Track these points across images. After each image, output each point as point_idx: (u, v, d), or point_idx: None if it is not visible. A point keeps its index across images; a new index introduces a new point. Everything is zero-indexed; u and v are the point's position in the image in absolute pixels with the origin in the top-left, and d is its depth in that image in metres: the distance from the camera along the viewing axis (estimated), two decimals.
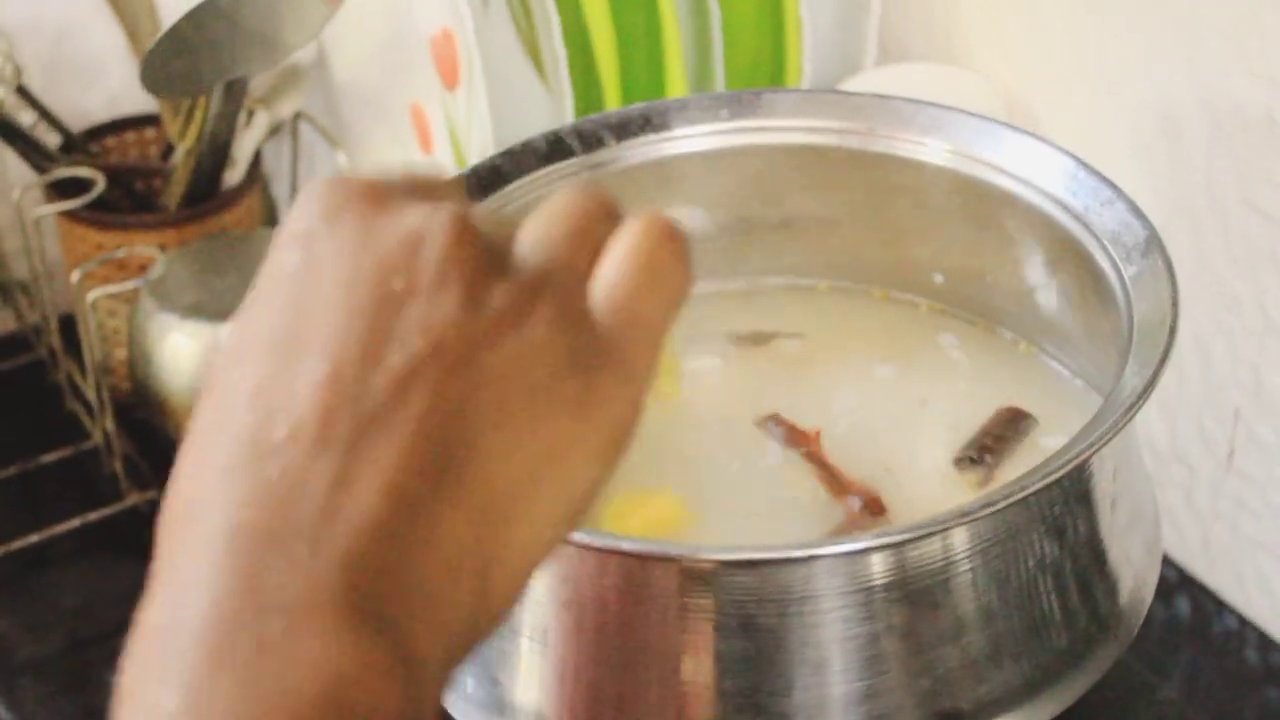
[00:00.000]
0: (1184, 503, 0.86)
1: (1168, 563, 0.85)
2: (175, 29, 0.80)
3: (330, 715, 0.33)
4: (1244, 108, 0.76)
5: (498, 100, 0.86)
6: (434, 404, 0.35)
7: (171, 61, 0.82)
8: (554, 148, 0.71)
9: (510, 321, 0.36)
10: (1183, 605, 0.85)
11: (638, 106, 0.72)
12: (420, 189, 0.39)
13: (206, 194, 0.95)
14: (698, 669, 0.55)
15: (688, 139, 0.72)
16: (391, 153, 0.95)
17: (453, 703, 0.61)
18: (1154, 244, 0.62)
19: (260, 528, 0.34)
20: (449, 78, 0.88)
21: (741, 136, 0.71)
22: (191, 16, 0.80)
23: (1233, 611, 0.85)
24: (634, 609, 0.55)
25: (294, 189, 1.02)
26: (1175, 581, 0.86)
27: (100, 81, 1.04)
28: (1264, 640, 0.83)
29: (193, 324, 0.88)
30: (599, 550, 0.55)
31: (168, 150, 0.99)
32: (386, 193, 0.38)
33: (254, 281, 0.38)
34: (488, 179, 0.69)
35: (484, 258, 0.37)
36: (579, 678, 0.58)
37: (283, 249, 0.38)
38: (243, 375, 0.36)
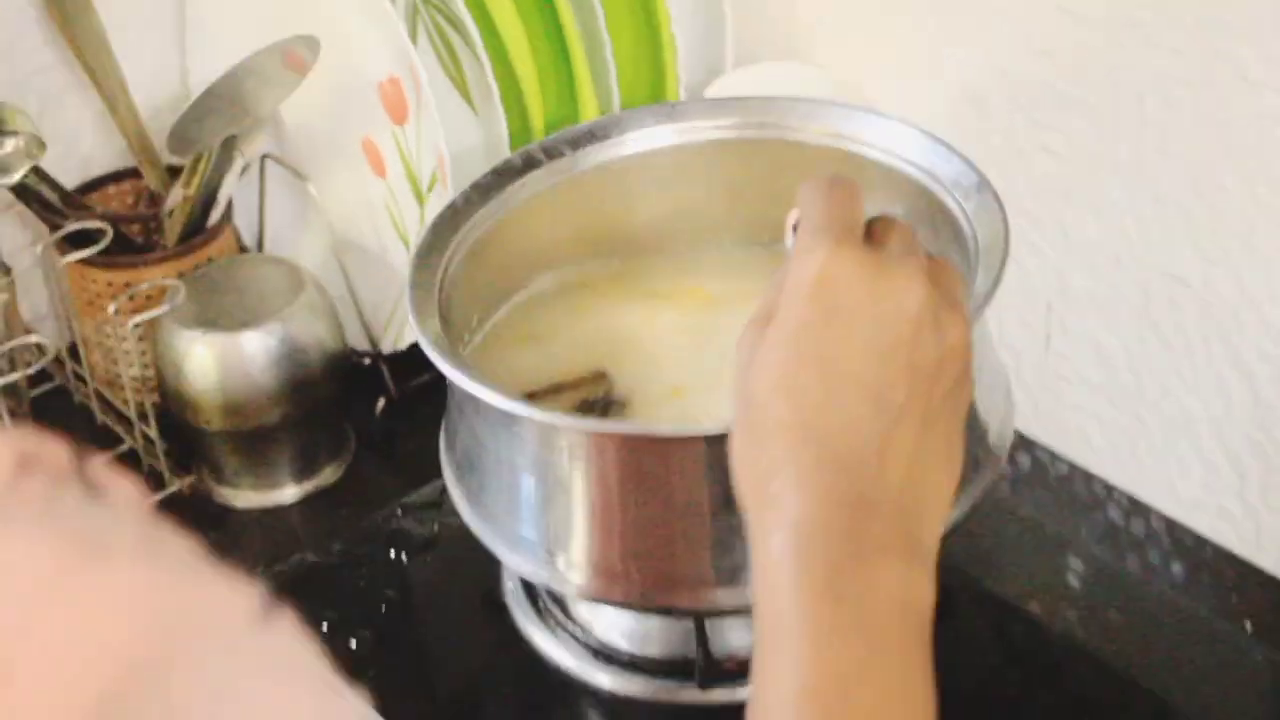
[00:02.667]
0: (1015, 380, 1.10)
1: None
2: (197, 103, 1.00)
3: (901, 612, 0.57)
4: (1030, 77, 1.01)
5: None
6: (955, 408, 0.63)
7: (190, 128, 1.02)
8: (527, 162, 0.93)
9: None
10: (1024, 460, 1.10)
11: (586, 124, 0.94)
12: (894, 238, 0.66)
13: (196, 231, 1.14)
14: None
15: (627, 143, 0.94)
16: (349, 180, 1.16)
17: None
18: (984, 185, 0.86)
19: (848, 492, 0.59)
20: (398, 116, 1.09)
21: (667, 138, 0.94)
22: (208, 92, 1.00)
23: (1062, 459, 1.10)
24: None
25: (262, 221, 1.22)
26: (1016, 442, 1.10)
27: (76, 149, 1.23)
28: (1087, 476, 1.08)
29: (211, 336, 1.08)
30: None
31: (151, 199, 1.19)
32: (879, 262, 0.63)
33: (784, 303, 0.62)
34: (484, 189, 0.91)
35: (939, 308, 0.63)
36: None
37: (818, 295, 0.62)
38: (797, 385, 0.60)
